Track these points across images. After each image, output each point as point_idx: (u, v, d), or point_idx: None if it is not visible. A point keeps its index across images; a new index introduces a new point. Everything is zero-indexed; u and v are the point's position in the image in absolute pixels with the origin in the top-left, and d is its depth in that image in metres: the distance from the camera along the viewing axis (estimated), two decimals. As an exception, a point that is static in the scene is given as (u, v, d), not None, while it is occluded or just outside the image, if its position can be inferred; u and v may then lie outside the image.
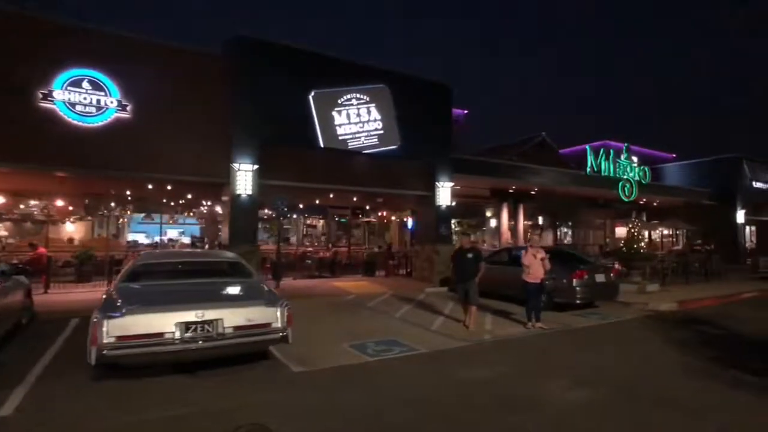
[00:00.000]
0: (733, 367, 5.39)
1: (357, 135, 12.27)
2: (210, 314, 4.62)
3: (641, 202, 23.75)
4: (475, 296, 7.60)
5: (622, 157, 20.45)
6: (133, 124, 9.84)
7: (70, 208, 16.35)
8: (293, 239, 25.08)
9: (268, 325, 4.91)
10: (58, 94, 9.05)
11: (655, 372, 5.34)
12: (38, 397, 4.28)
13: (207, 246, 18.19)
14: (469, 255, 7.78)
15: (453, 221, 24.20)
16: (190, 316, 4.54)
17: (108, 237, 17.45)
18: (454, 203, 18.20)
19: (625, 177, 20.25)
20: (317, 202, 19.05)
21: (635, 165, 21.22)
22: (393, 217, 22.32)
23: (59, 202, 14.39)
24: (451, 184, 14.00)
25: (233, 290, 5.42)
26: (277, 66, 11.25)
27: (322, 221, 24.26)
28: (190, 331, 4.54)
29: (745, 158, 26.05)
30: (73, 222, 19.68)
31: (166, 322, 4.47)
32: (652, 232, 26.64)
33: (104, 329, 4.22)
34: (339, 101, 12.03)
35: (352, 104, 12.22)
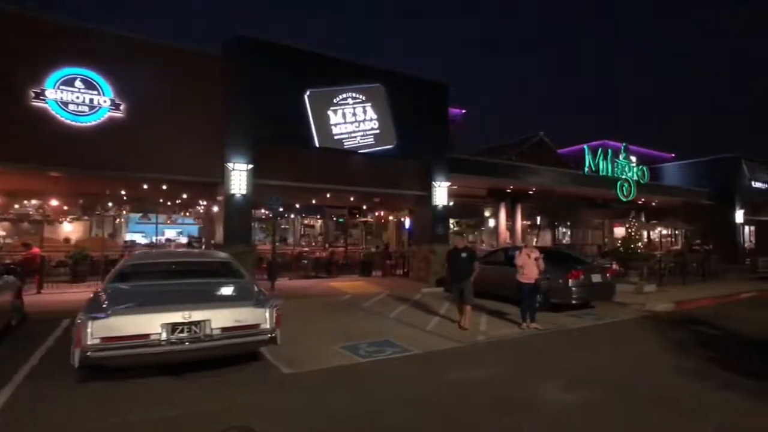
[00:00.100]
0: (729, 368, 5.33)
1: (353, 134, 12.21)
2: (197, 315, 4.55)
3: (640, 202, 23.69)
4: (470, 296, 7.56)
5: (621, 156, 20.40)
6: (127, 123, 9.78)
7: (65, 207, 16.28)
8: (291, 239, 25.01)
9: (256, 326, 4.84)
10: (51, 93, 9.00)
11: (651, 373, 5.27)
12: (24, 399, 4.23)
13: (203, 246, 18.14)
14: (464, 255, 7.76)
15: (451, 221, 24.23)
16: (177, 317, 4.48)
17: (103, 237, 17.36)
18: (451, 203, 18.15)
19: (623, 177, 20.19)
20: (314, 202, 18.98)
21: (633, 165, 21.16)
22: (390, 217, 22.24)
23: (54, 202, 14.33)
24: (448, 183, 13.94)
25: (222, 291, 5.36)
26: (271, 65, 11.19)
27: (320, 221, 24.18)
28: (176, 332, 4.48)
29: (744, 158, 26.01)
30: (70, 222, 19.61)
31: (153, 323, 4.40)
32: (651, 232, 26.59)
33: (89, 330, 4.16)
34: (334, 100, 11.96)
35: (347, 103, 12.15)
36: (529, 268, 7.52)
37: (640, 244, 13.88)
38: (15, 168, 9.52)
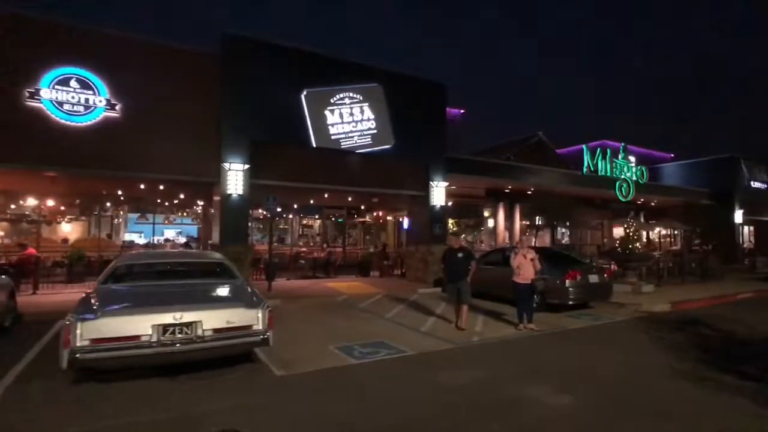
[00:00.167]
0: (725, 370, 5.28)
1: (350, 134, 12.17)
2: (188, 316, 4.52)
3: (639, 202, 23.67)
4: (466, 296, 7.56)
5: (620, 156, 20.36)
6: (123, 123, 9.76)
7: (63, 208, 16.25)
8: (289, 239, 24.98)
9: (248, 327, 4.81)
10: (45, 93, 8.97)
11: (645, 375, 5.23)
12: (13, 400, 4.21)
13: (200, 246, 18.11)
14: (460, 255, 7.75)
15: (450, 221, 24.21)
16: (168, 318, 4.45)
17: (99, 237, 17.32)
18: (450, 203, 18.10)
19: (622, 177, 20.15)
20: (312, 202, 18.95)
21: (632, 165, 21.12)
22: (389, 217, 22.23)
23: (51, 202, 14.30)
24: (446, 183, 13.91)
25: (214, 292, 5.33)
26: (268, 65, 11.16)
27: (318, 221, 24.16)
28: (167, 333, 4.45)
29: (743, 158, 25.97)
30: (68, 222, 19.61)
31: (143, 325, 4.37)
32: (650, 232, 26.55)
33: (78, 332, 4.13)
34: (332, 100, 11.93)
35: (344, 103, 12.12)
36: (525, 268, 7.50)
37: (638, 244, 13.82)
38: (9, 168, 9.48)
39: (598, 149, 19.52)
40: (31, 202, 14.76)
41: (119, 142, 9.73)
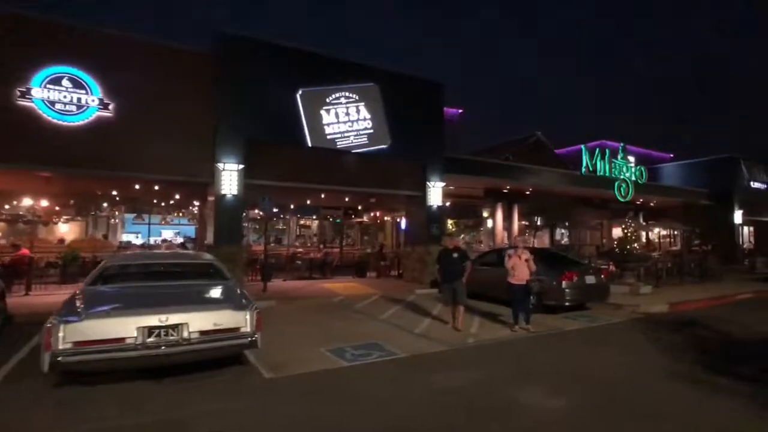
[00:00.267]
0: (721, 372, 5.20)
1: (346, 134, 12.10)
2: (174, 318, 4.44)
3: (638, 203, 23.59)
4: (462, 296, 7.51)
5: (619, 156, 20.29)
6: (116, 123, 9.69)
7: (57, 208, 16.16)
8: (286, 240, 24.88)
9: (236, 329, 4.73)
10: (37, 92, 8.91)
11: (641, 377, 5.15)
12: (-3, 403, 4.13)
13: (196, 246, 18.00)
14: (455, 255, 7.70)
15: (449, 222, 24.12)
16: (153, 320, 4.37)
17: (95, 237, 17.24)
18: (447, 204, 18.01)
19: (621, 177, 20.08)
20: (308, 202, 18.86)
21: (631, 165, 21.05)
22: (387, 218, 22.14)
23: (44, 203, 14.20)
24: (443, 184, 13.83)
25: (202, 293, 5.24)
26: (263, 64, 11.09)
27: (316, 222, 24.06)
28: (153, 336, 4.37)
29: (742, 158, 25.90)
30: (65, 222, 19.51)
31: (128, 327, 4.29)
32: (650, 233, 26.46)
33: (60, 334, 4.05)
34: (327, 100, 11.86)
35: (340, 103, 12.05)
36: (520, 269, 7.41)
37: (636, 245, 13.75)
38: (1, 168, 9.40)
39: (597, 149, 19.46)
40: (25, 202, 14.68)
41: (112, 142, 9.66)
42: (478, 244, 22.62)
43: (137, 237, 26.41)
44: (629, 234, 13.41)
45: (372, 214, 22.30)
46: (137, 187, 13.08)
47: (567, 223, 21.85)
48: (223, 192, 10.41)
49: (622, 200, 20.47)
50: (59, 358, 4.00)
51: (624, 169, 20.28)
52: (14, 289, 10.56)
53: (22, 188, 13.47)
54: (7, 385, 4.65)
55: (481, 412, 4.09)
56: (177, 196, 15.58)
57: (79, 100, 9.29)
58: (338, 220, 22.17)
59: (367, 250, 19.89)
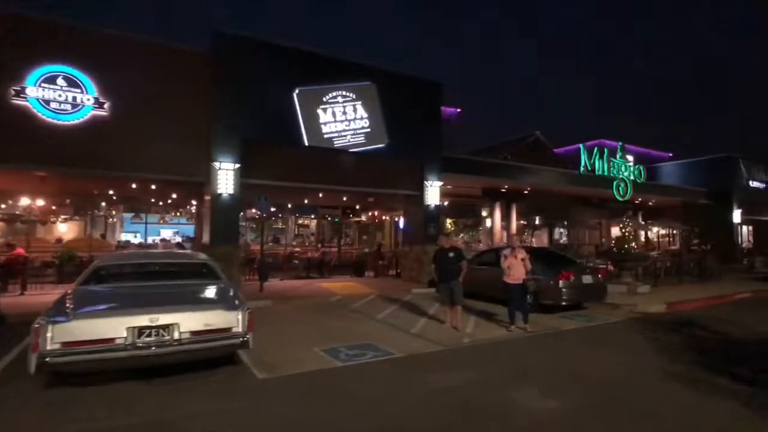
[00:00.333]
0: (719, 373, 5.16)
1: (343, 133, 12.04)
2: (165, 319, 4.40)
3: (637, 202, 23.54)
4: (459, 296, 7.51)
5: (617, 156, 20.24)
6: (111, 122, 9.64)
7: (54, 207, 16.11)
8: (285, 239, 24.84)
9: (228, 330, 4.69)
10: (32, 91, 8.85)
11: (637, 378, 5.10)
12: (-15, 404, 4.09)
13: (194, 246, 17.96)
14: (451, 254, 7.68)
15: (448, 221, 24.07)
16: (144, 320, 4.33)
17: (91, 237, 17.19)
18: (446, 203, 17.96)
19: (619, 176, 20.04)
20: (306, 201, 18.82)
21: (630, 164, 21.00)
22: (385, 217, 22.10)
23: (40, 202, 14.15)
24: (440, 183, 13.78)
25: (194, 293, 5.19)
26: (260, 63, 11.04)
27: (314, 221, 24.03)
28: (143, 336, 4.33)
29: (741, 157, 25.86)
30: (63, 222, 19.46)
31: (118, 327, 4.25)
32: (649, 232, 26.42)
33: (48, 335, 4.01)
34: (324, 99, 11.80)
35: (337, 102, 11.99)
36: (516, 268, 7.37)
37: (634, 244, 13.71)
38: (-4, 167, 9.36)
39: (596, 148, 19.41)
40: (22, 202, 14.63)
41: (108, 141, 9.60)
42: (477, 243, 22.58)
43: (136, 236, 26.38)
44: (627, 233, 13.36)
45: (370, 214, 22.27)
46: (134, 186, 13.03)
47: (566, 223, 21.82)
48: (219, 191, 10.36)
49: (620, 199, 20.43)
50: (47, 359, 3.95)
51: (622, 168, 20.23)
52: (9, 289, 10.54)
53: (18, 188, 13.42)
54: (-2, 384, 4.61)
55: (476, 413, 4.05)
56: (174, 196, 15.53)
57: (74, 99, 9.24)
58: (337, 220, 22.14)
59: (365, 249, 19.85)
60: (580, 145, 19.80)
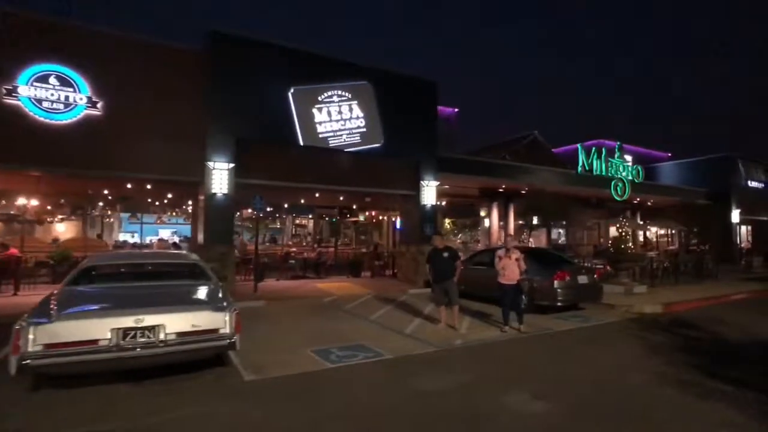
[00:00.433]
0: (713, 375, 5.10)
1: (338, 133, 11.98)
2: (150, 320, 4.35)
3: (635, 202, 23.48)
4: (455, 297, 7.49)
5: (615, 156, 20.18)
6: (105, 121, 9.58)
7: (48, 207, 16.05)
8: (282, 239, 24.81)
9: (215, 331, 4.64)
10: (24, 90, 8.79)
11: (630, 381, 5.04)
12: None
13: (191, 246, 17.91)
14: (445, 254, 7.65)
15: (447, 221, 23.99)
16: (129, 321, 4.28)
17: (86, 236, 17.13)
18: (443, 203, 17.90)
19: (617, 176, 19.98)
20: (302, 201, 18.75)
21: (628, 164, 20.94)
22: (383, 217, 22.05)
23: (34, 202, 14.08)
24: (437, 183, 13.71)
25: (181, 294, 5.13)
26: (254, 62, 10.97)
27: (311, 221, 24.00)
28: (128, 337, 4.27)
29: (740, 157, 25.81)
30: (60, 222, 19.42)
31: (101, 329, 4.20)
32: (647, 232, 26.36)
33: (30, 336, 3.95)
34: (319, 98, 11.74)
35: (333, 101, 11.93)
36: (510, 269, 7.31)
37: (630, 244, 13.65)
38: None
39: (593, 148, 19.35)
40: (18, 201, 14.55)
41: (102, 140, 9.55)
42: (475, 243, 22.53)
43: (133, 236, 26.38)
44: (623, 233, 13.30)
45: (368, 214, 22.21)
46: (129, 186, 12.97)
47: (564, 223, 21.74)
48: (213, 191, 10.30)
49: (618, 199, 20.37)
50: (27, 361, 3.90)
51: (620, 168, 20.18)
52: (2, 290, 10.49)
53: (13, 188, 13.35)
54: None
55: (463, 416, 4.00)
56: (170, 196, 15.47)
57: (66, 98, 9.19)
58: (334, 220, 22.09)
59: (363, 249, 19.80)
60: (578, 145, 19.74)
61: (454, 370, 5.40)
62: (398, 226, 19.48)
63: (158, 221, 25.93)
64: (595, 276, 9.66)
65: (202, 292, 5.22)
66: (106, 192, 14.57)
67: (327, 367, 5.37)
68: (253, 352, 5.66)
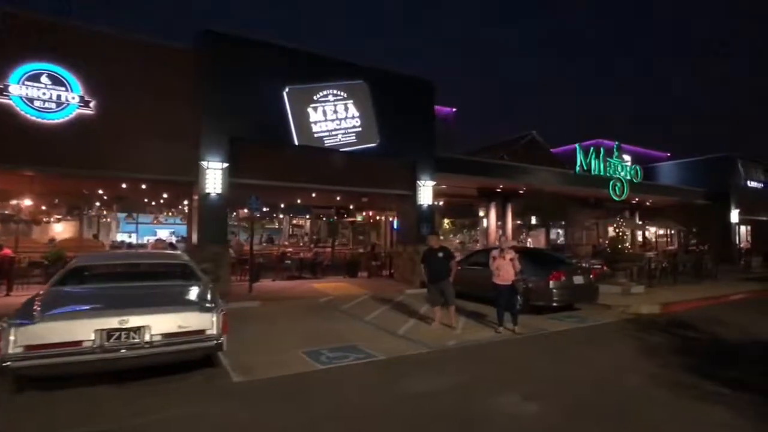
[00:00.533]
0: (710, 376, 5.01)
1: (334, 132, 11.91)
2: (135, 321, 4.28)
3: (634, 202, 23.40)
4: (451, 297, 7.45)
5: (613, 155, 20.10)
6: (97, 120, 9.50)
7: (43, 207, 15.96)
8: (279, 239, 24.73)
9: (201, 332, 4.56)
10: (15, 89, 8.71)
11: (624, 382, 4.96)
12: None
13: (187, 246, 17.83)
14: (440, 254, 7.60)
15: (445, 221, 23.90)
16: (113, 322, 4.21)
17: (82, 237, 17.04)
18: (441, 203, 17.81)
19: (616, 176, 19.91)
20: (299, 201, 18.66)
21: (627, 164, 20.86)
22: (380, 217, 21.96)
23: (28, 201, 13.98)
24: (433, 183, 13.63)
25: (168, 295, 5.04)
26: (249, 61, 10.89)
27: (308, 221, 23.92)
28: (112, 339, 4.20)
29: (739, 157, 25.74)
30: (56, 222, 19.30)
31: (85, 330, 4.12)
32: (646, 232, 26.26)
33: (11, 338, 3.88)
34: (315, 97, 11.66)
35: (328, 101, 11.85)
36: (505, 269, 7.24)
37: (628, 244, 13.58)
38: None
39: (592, 148, 19.27)
40: (12, 201, 14.46)
41: (94, 140, 9.47)
42: (474, 243, 22.44)
43: (130, 237, 26.27)
44: (620, 233, 13.22)
45: (365, 214, 22.12)
46: (124, 186, 12.88)
47: (563, 223, 21.66)
48: (207, 191, 10.22)
49: (617, 199, 20.29)
50: (8, 363, 3.82)
51: (619, 168, 20.10)
52: (-5, 290, 10.41)
53: (6, 187, 13.26)
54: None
55: (456, 418, 3.93)
56: (165, 196, 15.38)
57: (58, 97, 9.11)
58: (331, 220, 22.00)
59: (360, 249, 19.71)
60: (576, 145, 19.67)
61: (448, 371, 5.33)
62: (395, 226, 19.40)
63: (155, 221, 25.83)
64: (591, 276, 9.57)
65: (189, 293, 5.14)
66: (101, 192, 14.48)
67: (317, 369, 5.30)
68: (243, 354, 5.59)
